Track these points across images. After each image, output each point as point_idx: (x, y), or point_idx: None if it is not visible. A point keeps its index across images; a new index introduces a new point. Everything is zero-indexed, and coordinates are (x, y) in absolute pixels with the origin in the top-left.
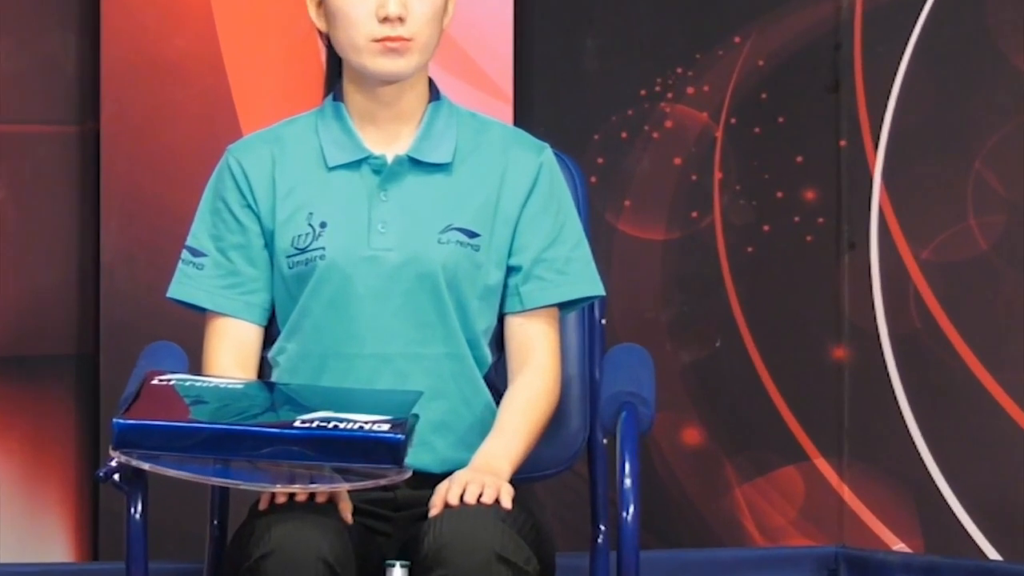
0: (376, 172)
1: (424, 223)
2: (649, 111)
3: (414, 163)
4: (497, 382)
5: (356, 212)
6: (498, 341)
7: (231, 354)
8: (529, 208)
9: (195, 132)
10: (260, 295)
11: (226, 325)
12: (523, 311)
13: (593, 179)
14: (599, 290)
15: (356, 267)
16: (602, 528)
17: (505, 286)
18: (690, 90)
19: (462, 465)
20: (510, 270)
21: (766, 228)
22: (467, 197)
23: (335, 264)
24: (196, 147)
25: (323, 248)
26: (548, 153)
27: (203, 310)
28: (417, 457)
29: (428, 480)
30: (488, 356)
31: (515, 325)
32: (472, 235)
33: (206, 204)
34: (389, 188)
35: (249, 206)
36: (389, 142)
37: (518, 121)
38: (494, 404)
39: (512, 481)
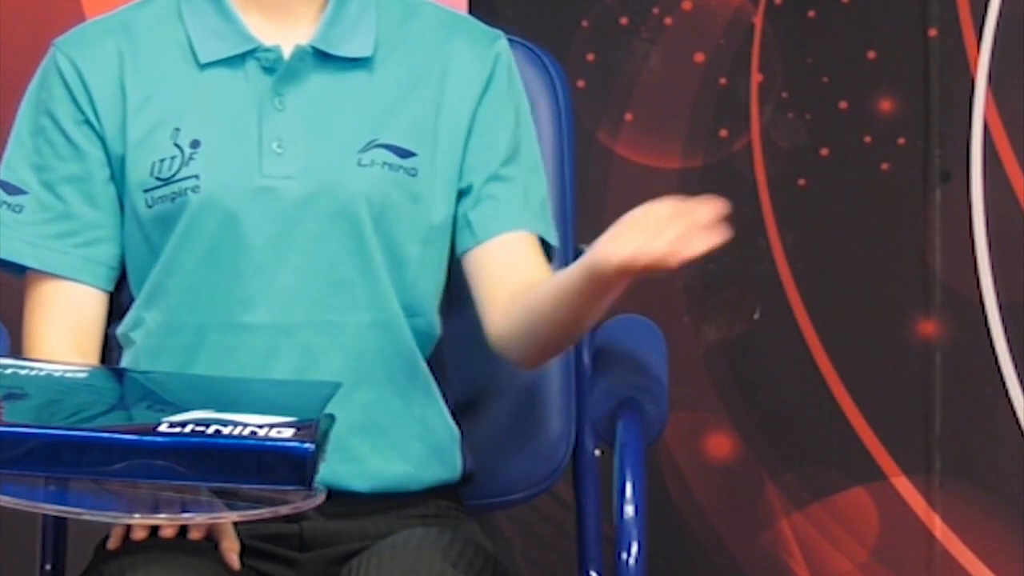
0: (268, 70)
1: (337, 139)
2: None
3: (321, 57)
4: (447, 366)
5: (241, 126)
6: (455, 301)
7: (64, 332)
8: (483, 111)
9: (21, 19)
10: (104, 248)
11: (56, 291)
12: (482, 244)
13: (581, 83)
14: (552, 237)
15: (243, 202)
16: (593, 575)
17: (455, 220)
18: None
19: (397, 481)
20: (460, 198)
21: (824, 152)
22: (396, 103)
23: (213, 198)
24: (21, 42)
25: (196, 176)
26: (504, 44)
27: (23, 269)
28: (333, 471)
29: (349, 505)
30: (436, 327)
31: (477, 259)
32: (405, 154)
33: (25, 122)
34: (286, 92)
35: (88, 122)
36: (285, 29)
37: (475, 3)
38: (440, 399)
39: (463, 509)
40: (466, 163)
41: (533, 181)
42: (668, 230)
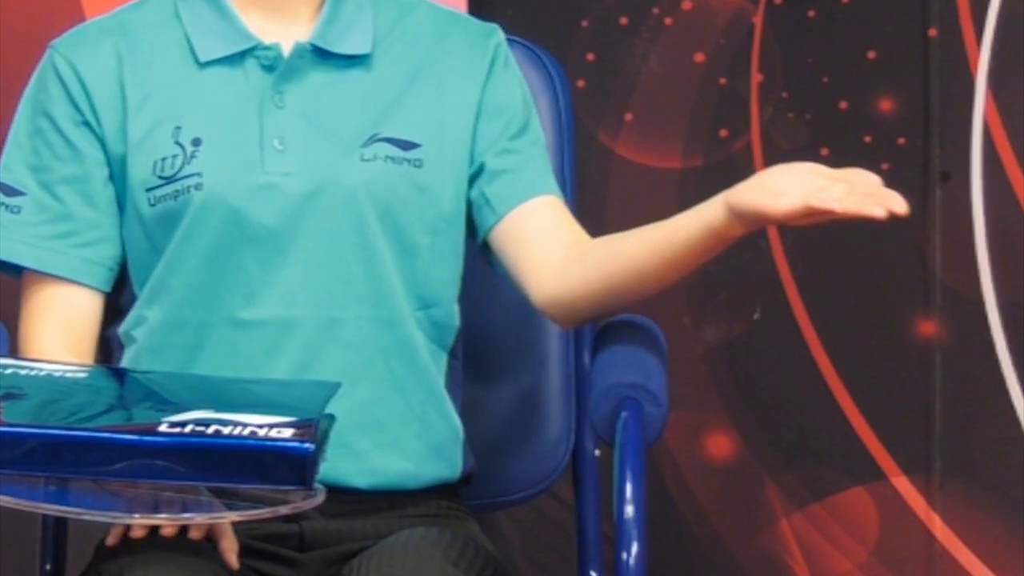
0: (268, 68)
1: (338, 135)
2: None
3: (320, 55)
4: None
5: (242, 124)
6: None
7: (59, 333)
8: (489, 94)
9: (21, 19)
10: (102, 248)
11: (53, 291)
12: (510, 214)
13: (581, 83)
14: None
15: (246, 199)
16: (593, 575)
17: (471, 205)
18: None
19: (397, 478)
20: (472, 181)
21: (824, 152)
22: (396, 98)
23: (216, 195)
24: (21, 42)
25: (199, 174)
26: (501, 35)
27: (20, 270)
28: (332, 467)
29: (349, 503)
30: (454, 316)
31: (507, 231)
32: (408, 146)
33: (22, 124)
34: (287, 90)
35: (86, 123)
36: (282, 28)
37: (474, 3)
38: (446, 396)
39: (463, 509)
40: (476, 147)
41: (543, 156)
42: (835, 186)
